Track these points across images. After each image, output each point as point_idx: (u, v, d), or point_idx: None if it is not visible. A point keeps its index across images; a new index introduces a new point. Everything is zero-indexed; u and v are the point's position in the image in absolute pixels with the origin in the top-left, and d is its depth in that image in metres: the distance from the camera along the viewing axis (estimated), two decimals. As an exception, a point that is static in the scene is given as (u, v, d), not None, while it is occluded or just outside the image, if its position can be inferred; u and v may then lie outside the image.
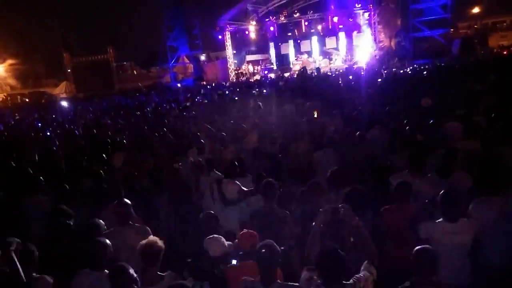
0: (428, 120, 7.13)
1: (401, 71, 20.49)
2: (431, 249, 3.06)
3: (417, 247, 3.07)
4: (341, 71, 24.94)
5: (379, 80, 16.62)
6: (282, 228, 4.07)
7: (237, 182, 5.10)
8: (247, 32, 34.22)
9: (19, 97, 39.60)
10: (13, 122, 16.93)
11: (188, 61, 38.73)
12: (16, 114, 20.80)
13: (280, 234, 3.88)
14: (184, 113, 13.06)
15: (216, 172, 5.66)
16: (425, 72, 18.36)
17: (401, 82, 15.40)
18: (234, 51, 34.38)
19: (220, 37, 33.55)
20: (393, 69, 22.11)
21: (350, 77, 19.37)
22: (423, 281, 2.97)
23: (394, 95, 11.16)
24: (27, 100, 37.64)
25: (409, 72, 19.84)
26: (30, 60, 46.95)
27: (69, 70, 44.08)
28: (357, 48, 31.13)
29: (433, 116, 7.41)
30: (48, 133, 11.23)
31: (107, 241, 3.43)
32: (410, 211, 4.04)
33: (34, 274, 3.34)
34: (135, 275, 2.91)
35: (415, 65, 22.38)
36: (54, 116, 17.79)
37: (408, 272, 3.07)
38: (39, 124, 14.30)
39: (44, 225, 4.65)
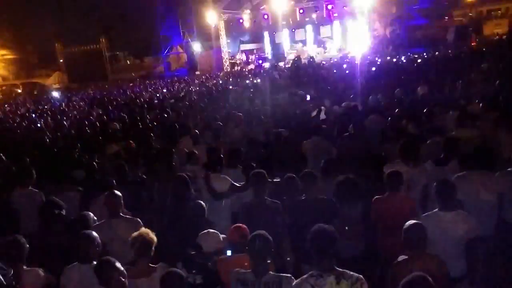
0: (423, 109, 7.10)
1: (395, 59, 20.41)
2: (421, 224, 3.11)
3: (407, 223, 3.12)
4: (335, 60, 24.80)
5: (373, 69, 16.55)
6: (274, 218, 4.02)
7: (227, 177, 5.00)
8: (241, 21, 33.85)
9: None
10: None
11: (181, 51, 38.39)
12: (7, 105, 20.56)
13: (272, 225, 3.83)
14: (178, 103, 12.97)
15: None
16: (419, 60, 18.30)
17: (395, 71, 15.35)
18: (228, 40, 34.05)
19: (214, 26, 33.14)
20: (387, 58, 22.00)
21: (344, 65, 19.29)
22: (419, 253, 3.01)
23: (388, 84, 11.11)
24: (19, 91, 37.21)
25: (404, 60, 19.75)
26: (22, 51, 46.40)
27: (61, 61, 43.58)
28: (352, 37, 30.92)
29: (427, 105, 7.39)
30: (39, 125, 11.12)
31: (94, 233, 3.39)
32: (401, 200, 4.03)
33: (24, 266, 3.31)
34: (122, 268, 2.87)
35: (409, 54, 22.28)
36: (46, 107, 17.61)
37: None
38: (33, 115, 14.16)
39: (35, 217, 4.61)
